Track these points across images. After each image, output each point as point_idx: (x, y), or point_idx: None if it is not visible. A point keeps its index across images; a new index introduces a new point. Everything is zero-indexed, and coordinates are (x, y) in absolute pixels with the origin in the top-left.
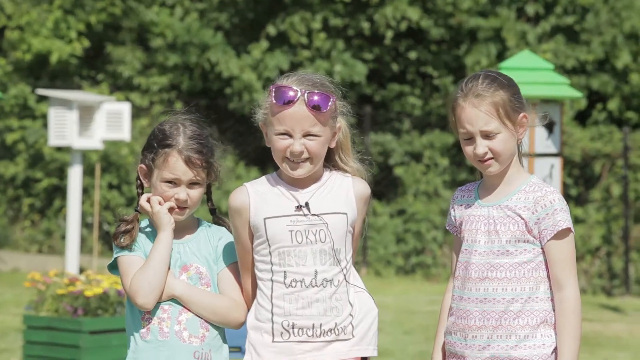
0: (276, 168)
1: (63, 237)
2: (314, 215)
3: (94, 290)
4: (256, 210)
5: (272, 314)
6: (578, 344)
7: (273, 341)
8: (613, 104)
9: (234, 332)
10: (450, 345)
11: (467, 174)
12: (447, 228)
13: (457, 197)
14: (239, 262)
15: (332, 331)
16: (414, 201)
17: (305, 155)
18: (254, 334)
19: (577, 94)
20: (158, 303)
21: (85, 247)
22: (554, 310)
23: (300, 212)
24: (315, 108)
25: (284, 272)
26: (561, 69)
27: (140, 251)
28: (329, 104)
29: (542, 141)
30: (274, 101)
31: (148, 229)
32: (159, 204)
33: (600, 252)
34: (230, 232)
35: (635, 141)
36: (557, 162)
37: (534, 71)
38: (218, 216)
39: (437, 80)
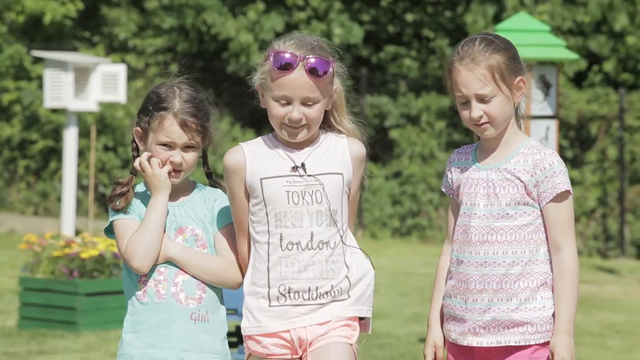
0: (272, 130)
1: (59, 199)
2: (310, 175)
3: (90, 252)
4: (252, 170)
5: (269, 279)
6: (575, 306)
7: (270, 306)
8: (609, 66)
9: (231, 294)
10: (450, 309)
11: (463, 136)
12: (442, 190)
13: (454, 160)
14: (234, 223)
15: (329, 293)
16: (410, 163)
17: (304, 122)
18: (250, 299)
19: (573, 55)
20: (154, 265)
21: (81, 209)
22: (550, 273)
23: (297, 173)
24: (315, 74)
25: (280, 234)
26: (557, 31)
27: (135, 214)
28: (329, 70)
29: (538, 103)
30: (273, 67)
31: (143, 193)
32: (159, 166)
33: (595, 214)
34: (226, 193)
35: (632, 103)
36: (553, 124)
37: (530, 33)
38: (214, 179)
39: (434, 42)
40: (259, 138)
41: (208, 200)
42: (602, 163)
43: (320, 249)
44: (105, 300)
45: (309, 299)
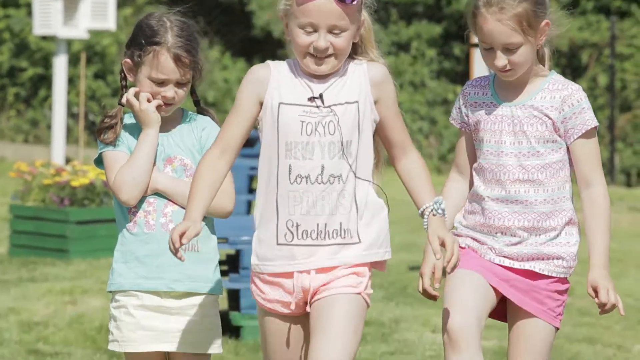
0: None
1: (49, 127)
2: (326, 107)
3: (80, 180)
4: (273, 92)
5: (277, 213)
6: (609, 240)
7: (277, 244)
8: None
9: (222, 223)
10: (474, 235)
11: (454, 64)
12: (451, 122)
13: (470, 94)
14: (219, 135)
15: (337, 233)
16: (400, 91)
17: (331, 51)
18: (259, 235)
19: None
20: (143, 196)
21: (71, 137)
22: (574, 209)
23: (313, 104)
24: (343, 0)
25: (289, 165)
26: None
27: (124, 146)
28: None
29: None
30: None
31: (132, 124)
32: (147, 100)
33: None
34: (215, 121)
35: (623, 30)
36: (545, 52)
37: None
38: (202, 107)
39: None
40: (285, 61)
41: (196, 129)
42: (593, 91)
43: (331, 184)
44: (95, 229)
45: (316, 238)
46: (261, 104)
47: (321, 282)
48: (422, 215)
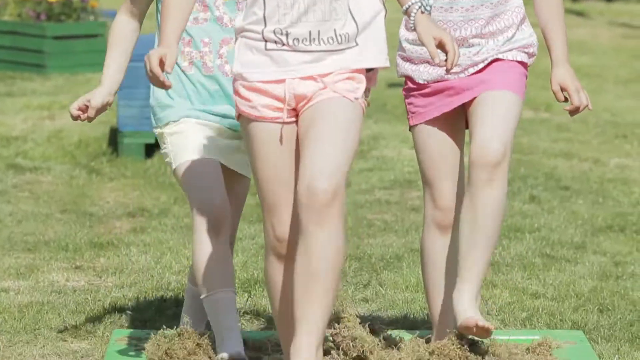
0: None
1: None
2: None
3: None
4: None
5: (265, 21)
6: (566, 32)
7: (266, 49)
8: None
9: None
10: (425, 54)
11: None
12: None
13: None
14: None
15: (333, 39)
16: None
17: None
18: (242, 39)
19: None
20: (198, 37)
21: None
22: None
23: None
24: None
25: None
26: None
27: None
28: None
29: None
30: None
31: None
32: None
33: None
34: None
35: None
36: None
37: None
38: None
39: None
40: None
41: None
42: None
43: None
44: (73, 44)
45: (310, 44)
46: None
47: (315, 88)
48: (406, 13)
